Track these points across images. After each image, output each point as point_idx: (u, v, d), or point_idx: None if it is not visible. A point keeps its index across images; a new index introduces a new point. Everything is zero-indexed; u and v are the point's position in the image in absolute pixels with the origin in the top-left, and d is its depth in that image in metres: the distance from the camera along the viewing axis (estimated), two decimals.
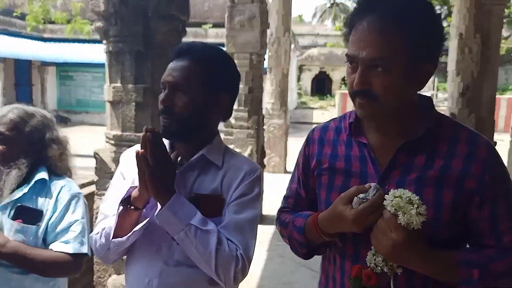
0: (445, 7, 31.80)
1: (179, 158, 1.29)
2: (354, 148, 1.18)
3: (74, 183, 1.63)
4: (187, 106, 1.22)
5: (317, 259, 1.31)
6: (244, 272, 1.20)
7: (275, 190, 6.91)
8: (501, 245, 1.07)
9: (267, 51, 8.47)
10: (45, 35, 16.17)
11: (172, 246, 1.22)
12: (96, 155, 2.42)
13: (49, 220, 1.50)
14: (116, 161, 2.41)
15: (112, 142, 2.42)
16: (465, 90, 7.84)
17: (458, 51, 7.78)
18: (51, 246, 1.48)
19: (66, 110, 17.59)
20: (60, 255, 1.47)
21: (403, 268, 1.04)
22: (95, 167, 2.47)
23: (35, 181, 1.53)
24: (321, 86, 33.29)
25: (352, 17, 1.11)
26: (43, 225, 1.50)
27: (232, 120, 5.19)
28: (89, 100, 17.41)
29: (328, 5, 48.69)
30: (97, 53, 14.93)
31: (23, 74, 17.02)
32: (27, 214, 1.48)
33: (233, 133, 5.16)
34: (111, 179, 2.29)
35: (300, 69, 33.32)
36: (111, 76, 2.39)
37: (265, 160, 8.57)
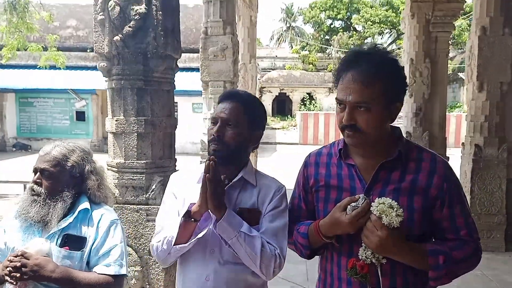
0: (394, 31, 33.40)
1: (223, 178, 1.57)
2: (344, 168, 1.51)
3: (112, 210, 1.83)
4: (235, 137, 1.54)
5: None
6: (280, 267, 1.53)
7: None
8: (459, 237, 1.43)
9: None
10: (3, 62, 15.88)
11: (222, 249, 1.52)
12: None
13: (92, 245, 1.68)
14: (120, 186, 2.64)
15: (115, 169, 2.64)
16: (418, 111, 8.48)
17: (410, 74, 8.39)
18: (95, 269, 1.66)
19: (26, 137, 17.18)
20: (102, 277, 1.65)
21: (387, 259, 1.37)
22: None
23: (78, 211, 1.71)
24: (282, 107, 33.95)
25: (339, 70, 1.47)
26: (87, 250, 1.67)
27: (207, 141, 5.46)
28: (51, 126, 17.09)
29: (284, 28, 50.02)
30: (57, 79, 14.90)
31: None
32: (72, 241, 1.65)
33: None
34: (116, 203, 2.54)
35: (261, 91, 33.88)
36: (114, 110, 2.63)
37: None
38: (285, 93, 32.61)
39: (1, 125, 17.15)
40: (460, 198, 1.46)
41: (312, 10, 38.49)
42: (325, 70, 33.67)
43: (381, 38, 37.05)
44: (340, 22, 38.95)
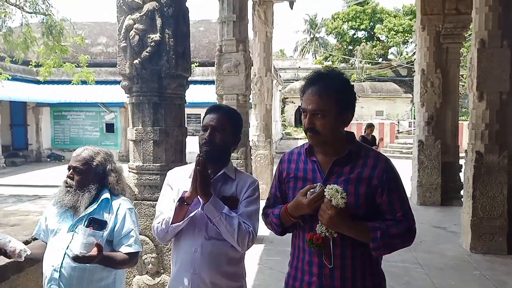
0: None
1: (209, 173, 2.02)
2: (309, 164, 1.93)
3: (128, 201, 2.28)
4: (222, 140, 2.00)
5: None
6: (253, 241, 1.96)
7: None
8: (396, 218, 1.81)
9: (252, 89, 9.36)
10: (39, 77, 16.90)
11: (208, 227, 1.96)
12: None
13: (113, 228, 2.13)
14: (139, 185, 3.12)
15: (135, 171, 3.13)
16: (430, 120, 8.70)
17: (421, 84, 8.67)
18: (121, 249, 2.11)
19: (60, 148, 18.13)
20: (126, 256, 2.12)
21: (338, 234, 1.77)
22: None
23: (101, 200, 2.17)
24: None
25: (304, 86, 1.90)
26: (107, 231, 2.13)
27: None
28: (82, 138, 18.00)
29: (308, 39, 50.38)
30: (88, 94, 15.76)
31: (18, 115, 17.63)
32: (96, 223, 2.09)
33: None
34: (135, 199, 3.02)
35: (284, 101, 34.24)
36: (134, 121, 3.12)
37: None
38: None
39: (37, 137, 18.17)
40: (397, 187, 1.85)
41: (334, 21, 38.74)
42: None
43: (406, 48, 37.01)
44: (363, 32, 39.05)
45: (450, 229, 6.76)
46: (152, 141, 3.08)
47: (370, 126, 9.92)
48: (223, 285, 2.00)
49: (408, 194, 9.05)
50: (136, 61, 3.03)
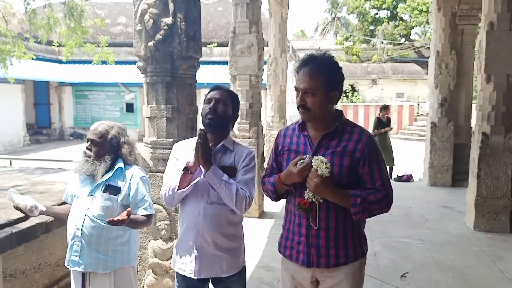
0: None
1: (211, 145, 2.27)
2: (301, 138, 2.16)
3: (141, 170, 2.55)
4: (224, 111, 2.27)
5: None
6: (250, 205, 2.22)
7: None
8: (375, 187, 2.04)
9: (266, 70, 9.52)
10: (61, 57, 17.34)
11: (210, 192, 2.22)
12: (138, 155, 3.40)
13: (128, 194, 2.40)
14: (153, 158, 3.39)
15: (150, 146, 3.40)
16: (444, 102, 8.76)
17: (436, 66, 8.71)
18: (139, 212, 2.40)
19: (82, 127, 18.69)
20: (145, 217, 2.42)
21: (323, 199, 2.00)
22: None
23: (115, 169, 2.46)
24: None
25: (297, 67, 2.11)
26: (121, 196, 2.41)
27: (236, 131, 6.17)
28: (103, 117, 18.46)
29: (329, 19, 49.67)
30: (109, 74, 16.12)
31: (41, 94, 18.20)
32: (111, 189, 2.40)
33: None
34: (150, 171, 3.30)
35: None
36: (148, 99, 3.38)
37: (265, 165, 9.53)
38: None
39: (60, 116, 18.75)
40: (377, 160, 2.06)
41: (356, 0, 38.12)
42: (369, 62, 33.42)
43: (430, 28, 36.23)
44: (385, 11, 38.32)
45: (457, 209, 6.92)
46: (165, 118, 3.34)
47: (385, 108, 9.98)
48: (223, 244, 2.27)
49: (420, 175, 9.21)
50: (150, 44, 3.26)
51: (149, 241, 3.45)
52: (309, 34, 52.44)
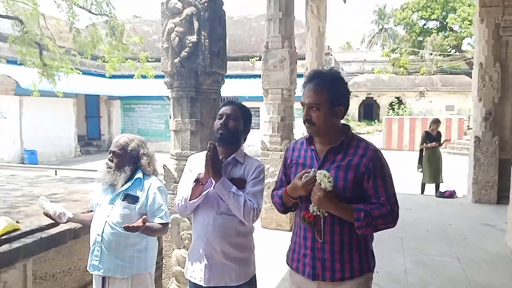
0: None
1: (221, 158, 2.37)
2: (308, 152, 2.20)
3: (158, 179, 2.69)
4: (235, 126, 2.36)
5: None
6: (257, 216, 2.28)
7: None
8: (380, 201, 2.04)
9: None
10: (107, 75, 18.17)
11: (219, 203, 2.30)
12: (164, 166, 3.56)
13: (145, 203, 2.54)
14: (178, 170, 3.53)
15: (175, 157, 3.55)
16: (488, 115, 8.43)
17: (479, 79, 8.43)
18: (155, 221, 2.53)
19: None
20: (160, 225, 2.54)
21: (328, 212, 2.03)
22: (164, 174, 3.59)
23: (135, 179, 2.60)
24: (369, 111, 33.50)
25: (304, 83, 2.17)
26: (139, 205, 2.55)
27: (267, 143, 6.25)
28: (149, 129, 19.17)
29: (376, 30, 49.03)
30: (155, 88, 16.72)
31: (92, 107, 19.17)
32: (130, 198, 2.55)
33: (268, 154, 6.21)
34: (174, 182, 3.43)
35: None
36: (174, 113, 3.54)
37: None
38: (372, 97, 32.19)
39: (109, 128, 19.62)
40: (382, 175, 2.07)
41: (403, 11, 37.39)
42: (417, 73, 32.61)
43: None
44: (434, 22, 37.35)
45: (499, 227, 6.61)
46: (189, 131, 3.48)
47: (436, 122, 9.50)
48: (232, 253, 2.34)
49: (464, 191, 8.87)
50: (176, 60, 3.43)
51: (173, 249, 3.57)
52: (355, 46, 51.93)
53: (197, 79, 3.44)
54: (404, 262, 5.05)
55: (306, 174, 2.04)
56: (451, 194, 9.22)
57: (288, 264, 2.28)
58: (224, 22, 3.63)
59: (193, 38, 3.38)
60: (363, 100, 32.63)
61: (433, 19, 36.46)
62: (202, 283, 2.34)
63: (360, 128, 30.56)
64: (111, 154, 2.61)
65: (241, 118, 2.40)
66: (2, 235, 2.56)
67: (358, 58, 38.90)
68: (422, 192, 9.48)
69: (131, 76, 17.31)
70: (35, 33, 6.27)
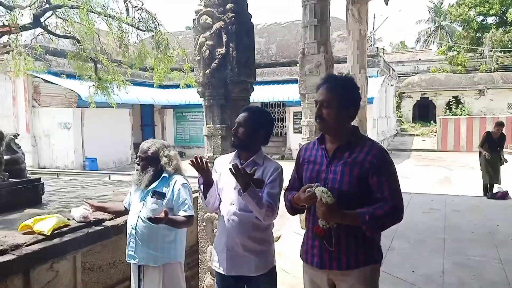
0: None
1: (242, 161, 2.61)
2: (319, 151, 2.39)
3: (182, 177, 2.97)
4: (244, 133, 2.59)
5: None
6: (273, 216, 2.49)
7: None
8: (384, 196, 2.18)
9: None
10: (164, 83, 19.05)
11: (238, 201, 2.54)
12: None
13: (172, 199, 2.84)
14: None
15: (208, 161, 3.84)
16: None
17: None
18: (180, 214, 2.81)
19: (181, 146, 20.22)
20: (184, 218, 2.82)
21: (337, 224, 2.19)
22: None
23: (161, 178, 2.91)
24: (424, 112, 32.47)
25: (319, 84, 2.36)
26: (165, 200, 2.84)
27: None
28: (200, 136, 19.80)
29: (433, 28, 47.42)
30: None
31: (147, 116, 20.15)
32: (158, 195, 2.85)
33: None
34: None
35: (400, 96, 32.88)
36: (207, 120, 3.84)
37: None
38: (428, 97, 31.19)
39: (162, 135, 20.52)
40: (386, 171, 2.20)
41: (459, 7, 36.00)
42: (476, 71, 31.24)
43: None
44: (493, 18, 35.66)
45: None
46: (220, 136, 3.75)
47: (499, 125, 9.13)
48: (251, 246, 2.57)
49: None
50: (207, 71, 3.72)
51: (208, 246, 3.85)
52: (410, 46, 50.56)
53: (227, 88, 3.71)
54: (443, 263, 5.02)
55: (309, 189, 2.19)
56: (504, 196, 8.88)
57: (300, 257, 2.46)
58: (252, 34, 3.89)
59: (222, 50, 3.66)
60: (417, 100, 31.69)
61: (491, 15, 34.85)
62: (224, 272, 2.59)
63: (414, 130, 29.68)
64: (138, 158, 2.94)
65: (256, 124, 2.61)
66: (54, 230, 2.96)
67: (413, 58, 37.88)
68: (485, 194, 9.23)
69: (179, 86, 18.20)
70: (90, 50, 6.87)
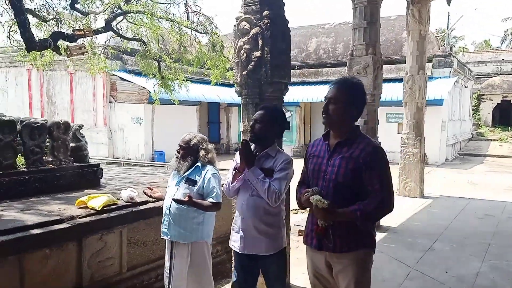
0: None
1: (256, 152, 2.95)
2: (323, 146, 2.66)
3: (213, 168, 3.34)
4: (260, 129, 2.93)
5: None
6: (279, 199, 2.80)
7: (406, 211, 7.97)
8: (374, 189, 2.42)
9: (403, 87, 9.54)
10: (230, 82, 19.73)
11: (252, 188, 2.88)
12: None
13: (202, 186, 3.22)
14: None
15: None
16: None
17: None
18: (208, 199, 3.19)
19: None
20: (211, 203, 3.19)
21: (333, 222, 2.45)
22: None
23: (194, 167, 3.31)
24: (505, 116, 30.53)
25: (331, 84, 2.63)
26: (196, 187, 3.22)
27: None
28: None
29: None
30: None
31: (213, 114, 21.03)
32: (190, 181, 3.24)
33: None
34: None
35: (479, 98, 31.15)
36: (243, 117, 4.19)
37: (401, 184, 9.50)
38: (510, 100, 29.28)
39: (227, 132, 21.31)
40: (379, 167, 2.43)
41: None
42: None
43: None
44: None
45: None
46: None
47: None
48: (262, 229, 2.90)
49: None
50: (244, 73, 4.08)
51: None
52: (496, 45, 47.51)
53: (261, 88, 4.04)
54: (480, 266, 4.99)
55: (306, 194, 2.49)
56: None
57: (303, 241, 2.74)
58: (287, 38, 4.19)
59: (258, 53, 3.99)
60: (498, 103, 29.87)
61: None
62: (238, 251, 2.95)
63: (492, 134, 28.00)
64: (179, 147, 3.36)
65: (271, 121, 2.95)
66: (104, 207, 3.48)
67: (495, 58, 35.60)
68: None
69: None
70: (154, 51, 7.54)
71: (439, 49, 19.00)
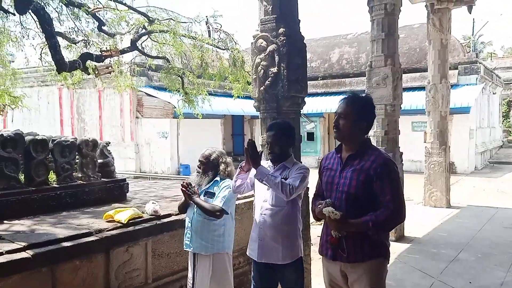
0: None
1: (273, 165, 3.08)
2: (336, 159, 2.76)
3: (230, 180, 3.47)
4: (278, 148, 3.08)
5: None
6: (292, 192, 2.87)
7: (431, 221, 7.91)
8: (385, 200, 2.49)
9: (425, 96, 9.49)
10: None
11: (270, 198, 3.01)
12: None
13: (217, 196, 3.37)
14: None
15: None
16: None
17: None
18: (214, 202, 3.30)
19: None
20: (211, 205, 3.29)
21: (347, 232, 2.54)
22: None
23: (214, 181, 3.45)
24: None
25: (341, 99, 2.74)
26: (213, 199, 3.35)
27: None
28: None
29: None
30: None
31: (238, 126, 21.26)
32: (209, 194, 3.39)
33: None
34: None
35: (509, 105, 30.42)
36: (261, 130, 4.31)
37: (426, 194, 9.40)
38: None
39: None
40: (389, 179, 2.51)
41: None
42: None
43: None
44: None
45: None
46: None
47: None
48: (279, 238, 3.01)
49: None
50: (262, 88, 4.22)
51: None
52: None
53: (278, 103, 4.17)
54: (505, 276, 4.92)
55: (320, 206, 2.59)
56: None
57: (318, 252, 2.82)
58: (303, 53, 4.32)
59: (274, 69, 4.13)
60: None
61: None
62: (256, 259, 3.06)
63: None
64: (199, 162, 3.51)
65: (283, 137, 3.11)
66: (129, 220, 3.65)
67: None
68: None
69: None
70: (178, 67, 7.79)
71: (465, 55, 18.72)
